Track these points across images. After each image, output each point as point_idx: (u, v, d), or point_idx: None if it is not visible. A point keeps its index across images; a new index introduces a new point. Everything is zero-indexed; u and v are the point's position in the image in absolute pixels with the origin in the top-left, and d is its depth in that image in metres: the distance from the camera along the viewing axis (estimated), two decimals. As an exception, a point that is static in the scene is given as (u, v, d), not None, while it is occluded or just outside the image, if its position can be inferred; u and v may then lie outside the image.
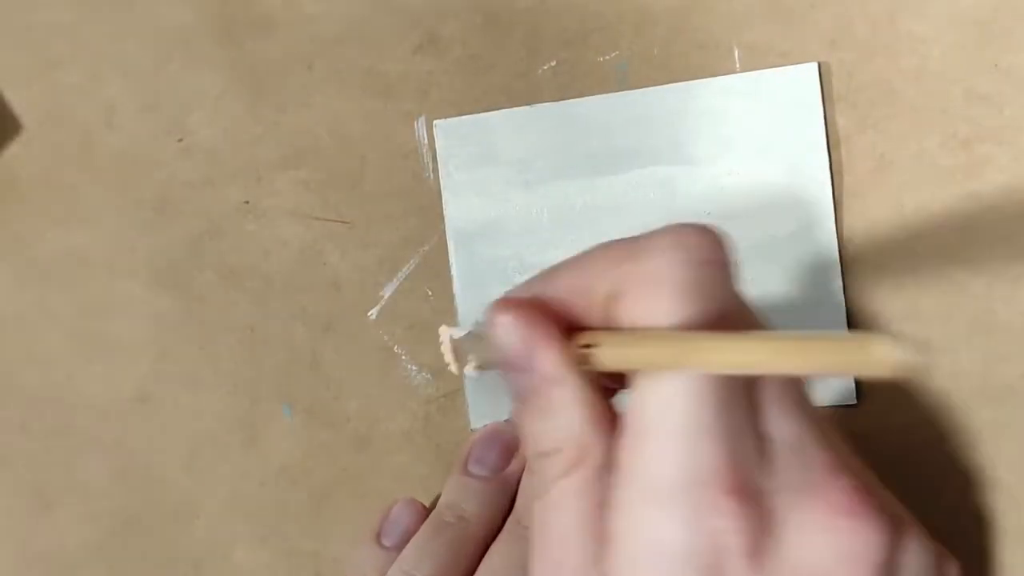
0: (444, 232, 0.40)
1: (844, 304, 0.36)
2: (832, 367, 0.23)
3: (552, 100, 0.38)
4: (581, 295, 0.28)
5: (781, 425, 0.26)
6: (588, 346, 0.27)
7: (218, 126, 0.42)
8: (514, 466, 0.38)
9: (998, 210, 0.35)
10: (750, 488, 0.25)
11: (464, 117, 0.39)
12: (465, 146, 0.39)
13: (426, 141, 0.40)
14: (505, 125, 0.39)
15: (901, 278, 0.36)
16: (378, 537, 0.39)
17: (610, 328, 0.27)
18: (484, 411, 0.39)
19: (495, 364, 0.33)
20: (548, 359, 0.28)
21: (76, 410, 0.43)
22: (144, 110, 0.43)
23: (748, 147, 0.36)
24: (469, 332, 0.33)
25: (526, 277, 0.37)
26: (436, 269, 0.40)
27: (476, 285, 0.39)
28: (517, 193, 0.38)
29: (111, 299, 0.43)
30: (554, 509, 0.27)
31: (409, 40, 0.40)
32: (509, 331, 0.28)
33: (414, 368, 0.40)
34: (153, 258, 0.43)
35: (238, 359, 0.42)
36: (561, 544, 0.27)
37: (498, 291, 0.38)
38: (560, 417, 0.27)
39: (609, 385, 0.28)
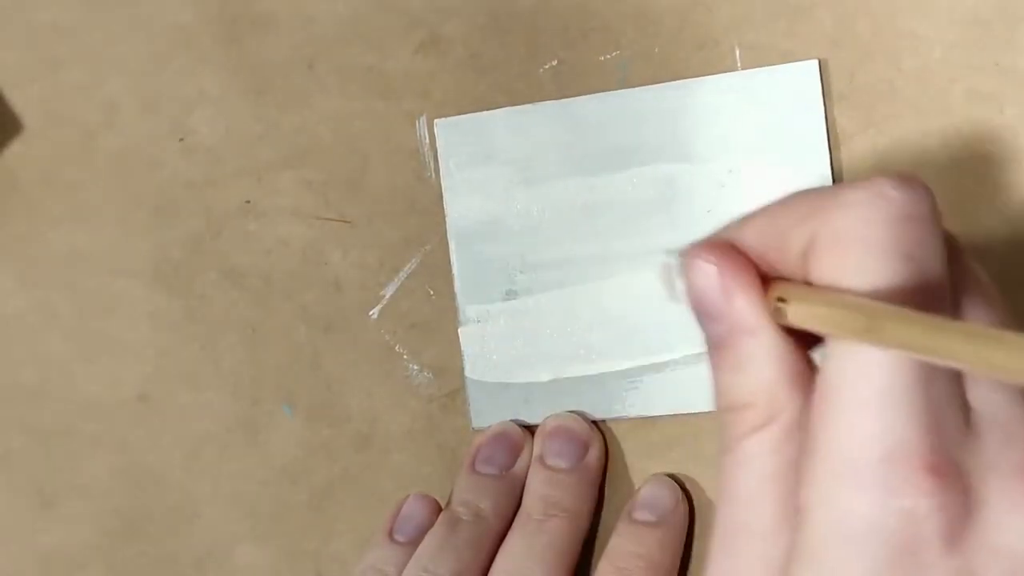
0: (445, 232, 0.40)
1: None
2: (1019, 371, 0.21)
3: (553, 99, 0.38)
4: (776, 244, 0.26)
5: (988, 397, 0.25)
6: (781, 300, 0.26)
7: (219, 126, 0.42)
8: (521, 464, 0.38)
9: (999, 210, 0.35)
10: (950, 466, 0.24)
11: (464, 116, 0.39)
12: (466, 145, 0.39)
13: (427, 141, 0.40)
14: (505, 124, 0.39)
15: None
16: (390, 533, 0.39)
17: (804, 283, 0.26)
18: (485, 411, 0.39)
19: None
20: (744, 308, 0.26)
21: (77, 409, 0.43)
22: (145, 110, 0.43)
23: (749, 145, 0.36)
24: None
25: (527, 277, 0.38)
26: (437, 268, 0.40)
27: (477, 284, 0.39)
28: (518, 192, 0.38)
29: (112, 298, 0.43)
30: (742, 467, 0.26)
31: (410, 40, 0.40)
32: (706, 276, 0.27)
33: (415, 368, 0.40)
34: (154, 257, 0.43)
35: (239, 358, 0.42)
36: (747, 505, 0.26)
37: (499, 290, 0.38)
38: (753, 370, 0.26)
39: (806, 339, 0.27)
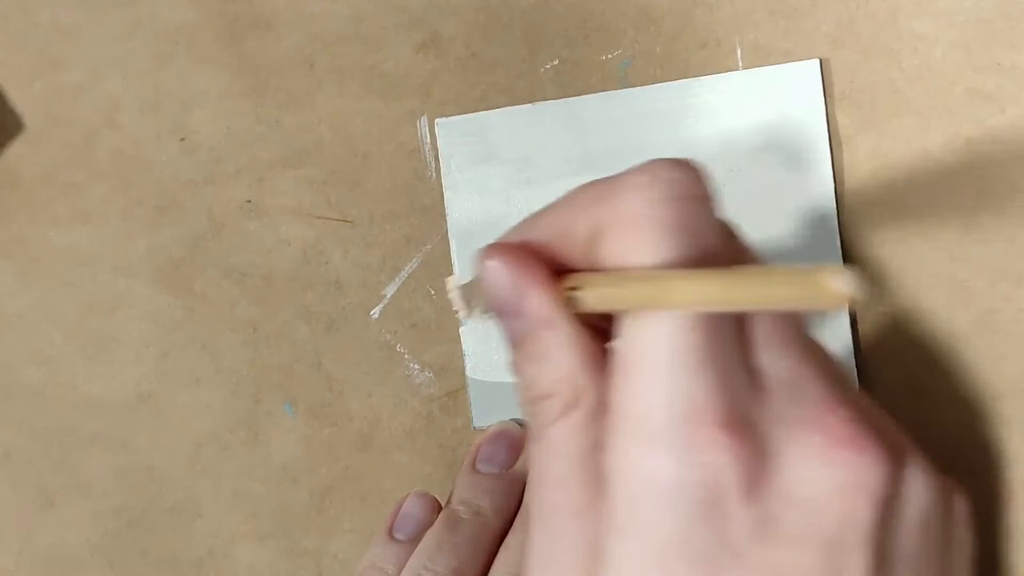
0: (446, 231, 0.40)
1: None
2: (789, 298, 0.23)
3: (554, 98, 0.38)
4: (564, 237, 0.28)
5: (775, 360, 0.26)
6: (574, 288, 0.27)
7: (220, 125, 0.42)
8: (522, 462, 0.38)
9: (1000, 210, 0.35)
10: (743, 421, 0.25)
11: (465, 115, 0.39)
12: (467, 144, 0.39)
13: (428, 140, 0.40)
14: (507, 123, 0.39)
15: (903, 277, 0.36)
16: (390, 531, 0.39)
17: (594, 270, 0.27)
18: (486, 410, 0.39)
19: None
20: (537, 302, 0.27)
21: (78, 409, 0.43)
22: (146, 109, 0.43)
23: (750, 144, 0.36)
24: (475, 278, 0.33)
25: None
26: (438, 268, 0.40)
27: (477, 283, 0.39)
28: (519, 191, 0.38)
29: (113, 298, 0.43)
30: (550, 452, 0.27)
31: (411, 39, 0.40)
32: (498, 275, 0.28)
33: (416, 367, 0.40)
34: (155, 257, 0.43)
35: (240, 358, 0.42)
36: (558, 486, 0.27)
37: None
38: (552, 360, 0.27)
39: (602, 327, 0.28)
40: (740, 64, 0.37)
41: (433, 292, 0.40)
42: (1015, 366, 0.35)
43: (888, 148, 0.36)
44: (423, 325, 0.40)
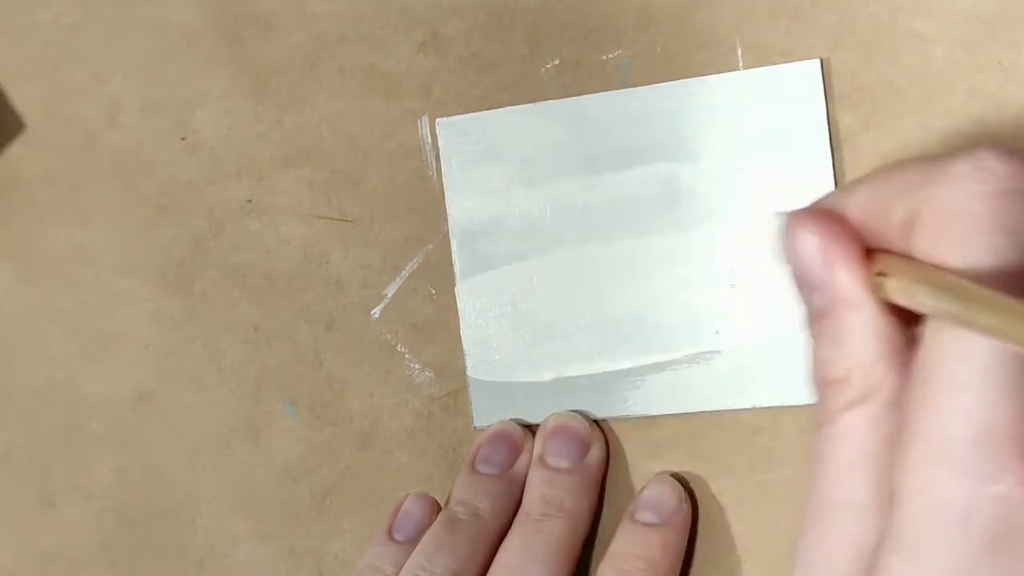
0: (447, 231, 0.40)
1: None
2: None
3: (555, 98, 0.38)
4: (876, 216, 0.26)
5: None
6: (882, 274, 0.25)
7: (221, 125, 0.42)
8: (521, 464, 0.38)
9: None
10: None
11: (466, 115, 0.39)
12: (468, 144, 0.39)
13: (429, 140, 0.40)
14: (508, 123, 0.39)
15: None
16: (390, 532, 0.39)
17: (906, 257, 0.25)
18: (486, 410, 0.39)
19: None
20: (846, 280, 0.26)
21: (79, 408, 0.44)
22: (147, 109, 0.43)
23: (751, 144, 0.36)
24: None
25: (529, 276, 0.38)
26: (439, 268, 0.40)
27: (478, 283, 0.39)
28: (519, 191, 0.38)
29: (114, 297, 0.43)
30: (838, 441, 0.26)
31: (412, 39, 0.40)
32: (808, 244, 0.26)
33: (417, 367, 0.40)
34: (156, 257, 0.43)
35: (241, 358, 0.42)
36: (841, 480, 0.26)
37: (501, 289, 0.38)
38: (851, 344, 0.26)
39: (905, 314, 0.26)
40: (740, 64, 0.37)
41: (434, 292, 0.40)
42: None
43: (888, 148, 0.36)
44: (424, 325, 0.40)
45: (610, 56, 0.38)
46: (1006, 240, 0.23)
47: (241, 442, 0.42)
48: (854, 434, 0.26)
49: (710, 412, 0.37)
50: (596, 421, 0.38)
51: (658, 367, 0.37)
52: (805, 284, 0.27)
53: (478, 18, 0.39)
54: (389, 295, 0.41)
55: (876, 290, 0.25)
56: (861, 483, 0.25)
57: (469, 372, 0.39)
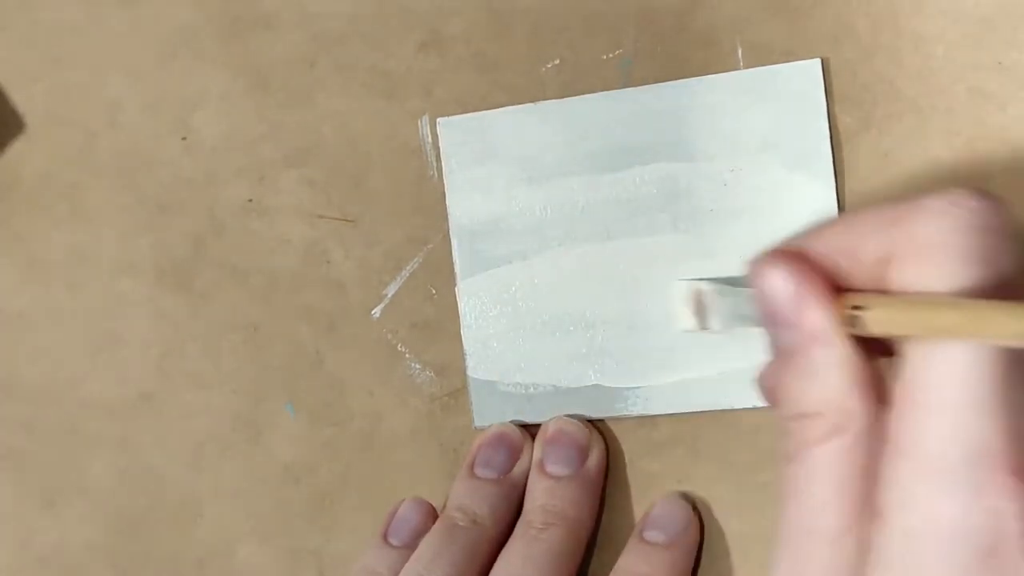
0: (448, 230, 0.40)
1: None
2: None
3: (555, 98, 0.38)
4: (848, 255, 0.27)
5: None
6: (857, 308, 0.26)
7: (221, 124, 0.42)
8: (520, 467, 0.38)
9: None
10: None
11: (468, 115, 0.39)
12: (469, 144, 0.39)
13: (430, 139, 0.40)
14: (509, 123, 0.39)
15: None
16: (385, 536, 0.39)
17: (881, 291, 0.26)
18: (487, 410, 0.39)
19: (745, 322, 0.32)
20: (817, 316, 0.27)
21: (80, 408, 0.43)
22: (147, 108, 0.43)
23: (752, 144, 0.36)
24: (718, 286, 0.33)
25: (530, 275, 0.38)
26: (440, 268, 0.40)
27: (478, 282, 0.39)
28: (520, 191, 0.38)
29: (114, 298, 0.43)
30: (811, 475, 0.26)
31: (413, 38, 0.40)
32: (779, 283, 0.27)
33: (417, 366, 0.40)
34: (156, 256, 0.43)
35: (241, 358, 0.42)
36: (815, 511, 0.26)
37: (502, 289, 0.38)
38: (823, 379, 0.27)
39: (870, 347, 0.27)
40: (741, 63, 0.37)
41: (435, 292, 0.40)
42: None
43: (888, 148, 0.36)
44: (424, 325, 0.40)
45: (610, 56, 0.38)
46: (982, 269, 0.25)
47: (242, 442, 0.42)
48: (829, 465, 0.26)
49: (710, 412, 0.37)
50: (594, 422, 0.38)
51: (658, 367, 0.37)
52: (775, 322, 0.28)
53: (478, 18, 0.39)
54: (390, 295, 0.41)
55: (848, 325, 0.27)
56: (836, 512, 0.26)
57: (469, 372, 0.39)
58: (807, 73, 0.36)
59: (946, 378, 0.24)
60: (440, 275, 0.40)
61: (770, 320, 0.28)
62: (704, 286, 0.34)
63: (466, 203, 0.39)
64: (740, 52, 0.37)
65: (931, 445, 0.24)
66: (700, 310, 0.34)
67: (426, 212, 0.40)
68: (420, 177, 0.40)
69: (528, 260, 0.38)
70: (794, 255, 0.28)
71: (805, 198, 0.36)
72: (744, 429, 0.37)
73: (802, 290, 0.27)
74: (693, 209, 0.37)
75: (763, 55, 0.37)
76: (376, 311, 0.41)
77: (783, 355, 0.28)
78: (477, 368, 0.39)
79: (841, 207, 0.36)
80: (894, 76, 0.36)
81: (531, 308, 0.38)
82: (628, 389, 0.37)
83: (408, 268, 0.40)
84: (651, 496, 0.38)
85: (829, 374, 0.27)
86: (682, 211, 0.37)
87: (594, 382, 0.38)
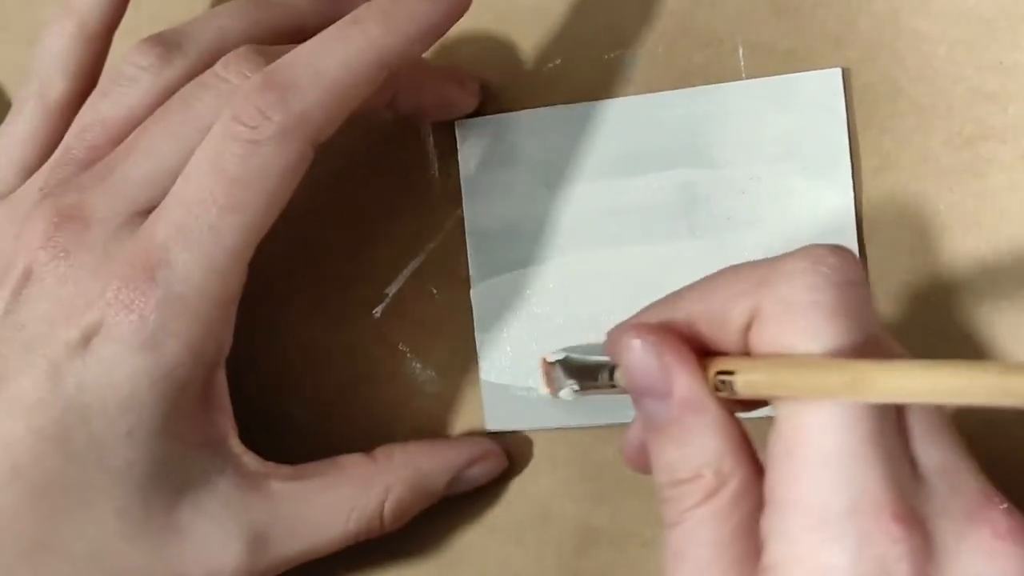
0: (449, 230, 0.40)
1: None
2: (1010, 393, 0.23)
3: (557, 98, 0.38)
4: (711, 321, 0.27)
5: (929, 451, 0.26)
6: (725, 373, 0.27)
7: (221, 124, 0.42)
8: None
9: (1002, 209, 0.35)
10: (912, 513, 0.25)
11: (486, 117, 0.39)
12: (486, 146, 0.39)
13: (431, 138, 0.40)
14: (526, 126, 0.38)
15: (912, 280, 0.36)
16: None
17: (747, 355, 0.27)
18: (500, 413, 0.39)
19: (595, 389, 0.33)
20: (687, 385, 0.27)
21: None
22: (146, 108, 0.43)
23: (771, 152, 0.36)
24: (565, 357, 0.35)
25: (544, 279, 0.37)
26: (441, 267, 0.40)
27: (494, 286, 0.39)
28: (536, 194, 0.38)
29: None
30: (691, 538, 0.27)
31: (414, 38, 0.40)
32: (644, 356, 0.28)
33: (419, 366, 0.40)
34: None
35: (241, 357, 0.42)
36: (700, 572, 0.27)
37: (516, 292, 0.38)
38: (698, 445, 0.27)
39: (740, 404, 0.28)
40: (742, 63, 0.37)
41: (436, 292, 0.40)
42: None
43: (889, 148, 0.36)
44: (426, 324, 0.40)
45: (612, 56, 0.38)
46: (848, 324, 0.25)
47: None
48: (709, 527, 0.27)
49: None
50: (605, 427, 0.38)
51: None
52: (643, 393, 0.28)
53: (479, 18, 0.39)
54: (391, 294, 0.41)
55: (717, 389, 0.27)
56: (721, 571, 0.26)
57: (483, 375, 0.39)
58: (827, 82, 0.36)
59: (822, 431, 0.25)
60: (442, 274, 0.40)
61: (638, 392, 0.28)
62: (550, 356, 0.35)
63: (482, 206, 0.39)
64: (741, 52, 0.37)
65: (813, 498, 0.25)
66: (550, 379, 0.36)
67: (427, 211, 0.40)
68: (422, 176, 0.40)
69: (543, 264, 0.38)
70: (655, 327, 0.28)
71: (823, 208, 0.36)
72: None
73: (667, 360, 0.27)
74: (711, 216, 0.37)
75: (764, 56, 0.37)
76: (377, 310, 0.41)
77: (657, 425, 0.28)
78: (490, 371, 0.39)
79: (858, 215, 0.36)
80: (895, 76, 0.36)
81: (545, 313, 0.38)
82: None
83: (409, 267, 0.40)
84: (651, 496, 0.38)
85: (703, 439, 0.27)
86: (699, 218, 0.37)
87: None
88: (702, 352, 0.28)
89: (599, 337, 0.37)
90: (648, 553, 0.38)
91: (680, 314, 0.28)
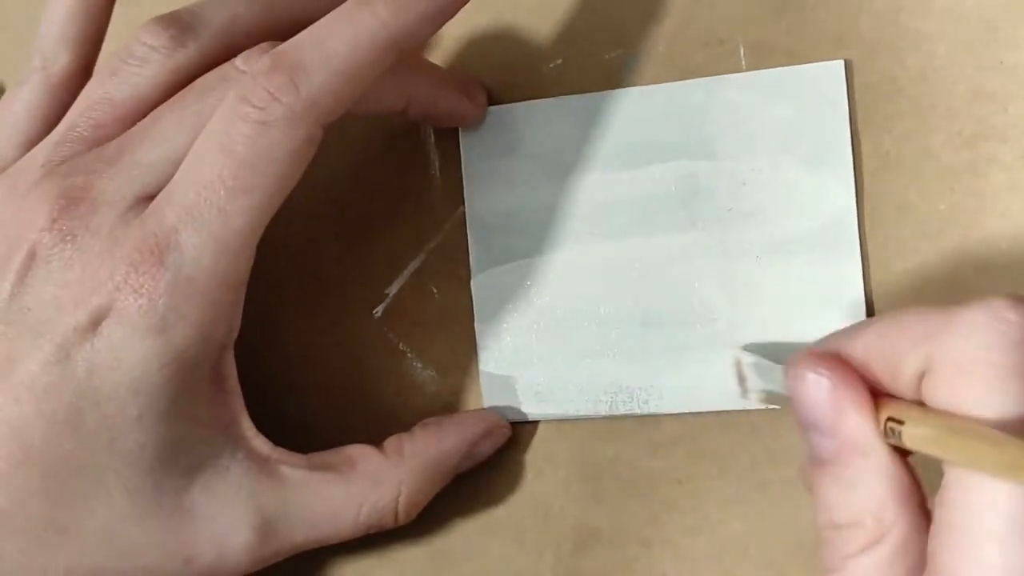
0: (449, 230, 0.40)
1: (864, 304, 0.35)
2: None
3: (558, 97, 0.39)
4: (885, 362, 0.27)
5: None
6: (894, 420, 0.26)
7: (222, 123, 0.42)
8: None
9: (1003, 209, 0.35)
10: None
11: (488, 108, 0.39)
12: (488, 137, 0.39)
13: (432, 137, 0.40)
14: (528, 117, 0.38)
15: (915, 275, 0.36)
16: None
17: (917, 404, 0.26)
18: (498, 404, 0.39)
19: (782, 402, 0.32)
20: (858, 427, 0.26)
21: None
22: (147, 107, 0.43)
23: (772, 144, 0.36)
24: (759, 361, 0.33)
25: (545, 271, 0.37)
26: (441, 267, 0.40)
27: (494, 277, 0.39)
28: (538, 185, 0.38)
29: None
30: None
31: (415, 37, 0.40)
32: (817, 389, 0.27)
33: (419, 365, 0.40)
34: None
35: (242, 357, 0.42)
36: None
37: (517, 284, 0.38)
38: (863, 489, 0.26)
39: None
40: (743, 63, 0.37)
41: (436, 291, 0.40)
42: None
43: (889, 148, 0.36)
44: (426, 323, 0.40)
45: (613, 55, 0.38)
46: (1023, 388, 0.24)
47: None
48: None
49: (712, 412, 0.37)
50: (605, 420, 0.38)
51: (671, 366, 0.37)
52: (813, 428, 0.27)
53: (479, 18, 0.40)
54: (391, 294, 0.41)
55: (886, 435, 0.26)
56: None
57: (481, 366, 0.39)
58: (830, 74, 0.36)
59: (988, 507, 0.24)
60: (442, 274, 0.40)
61: (807, 424, 0.27)
62: (745, 357, 0.34)
63: (484, 197, 0.39)
64: (742, 51, 0.37)
65: (973, 573, 0.24)
66: (742, 381, 0.35)
67: (428, 210, 0.40)
68: (422, 175, 0.40)
69: (544, 255, 0.38)
70: (831, 360, 0.27)
71: (824, 200, 0.36)
72: (744, 429, 0.37)
73: (842, 397, 0.26)
74: (711, 208, 0.37)
75: (765, 55, 0.37)
76: (377, 310, 0.41)
77: (823, 462, 0.27)
78: (489, 362, 0.39)
79: (859, 211, 0.36)
80: (895, 75, 0.36)
81: (545, 304, 0.38)
82: (640, 387, 0.37)
83: (410, 267, 0.40)
84: (651, 496, 0.38)
85: (868, 485, 0.26)
86: (700, 209, 0.37)
87: (605, 380, 0.38)
88: (876, 392, 0.27)
89: (599, 329, 0.38)
90: (648, 553, 0.38)
91: (858, 349, 0.27)
